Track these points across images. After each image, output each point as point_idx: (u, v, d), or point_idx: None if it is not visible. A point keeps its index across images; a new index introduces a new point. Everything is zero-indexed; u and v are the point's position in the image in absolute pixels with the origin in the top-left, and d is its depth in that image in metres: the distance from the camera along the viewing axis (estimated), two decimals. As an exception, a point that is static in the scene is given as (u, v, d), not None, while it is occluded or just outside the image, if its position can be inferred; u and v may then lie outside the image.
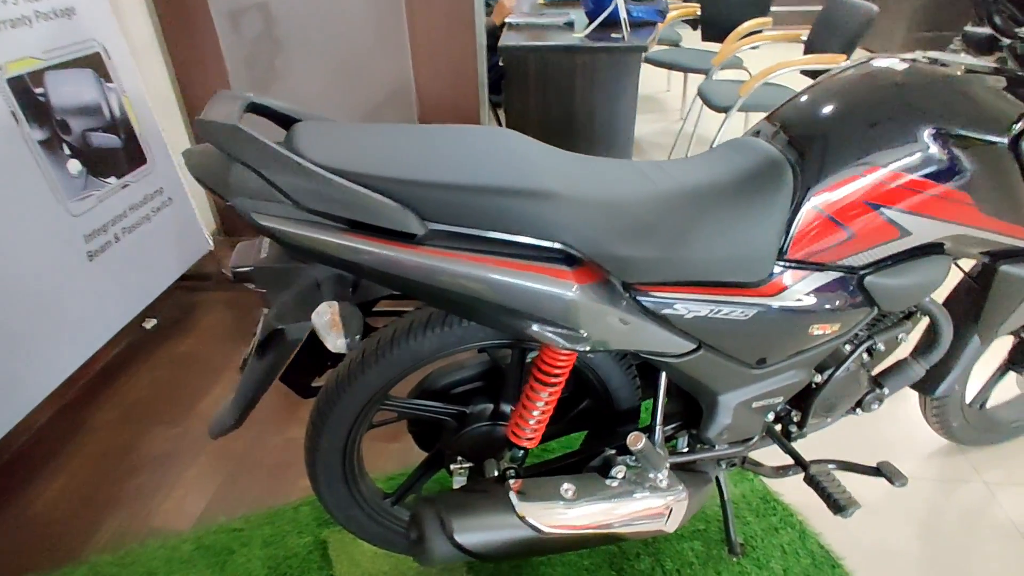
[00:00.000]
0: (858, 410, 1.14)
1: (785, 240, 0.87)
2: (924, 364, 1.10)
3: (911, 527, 1.32)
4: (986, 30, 1.00)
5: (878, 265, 0.91)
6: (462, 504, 0.85)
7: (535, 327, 0.78)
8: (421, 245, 0.72)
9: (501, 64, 2.23)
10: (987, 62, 0.97)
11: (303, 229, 0.69)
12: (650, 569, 1.24)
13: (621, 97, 2.25)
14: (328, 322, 0.71)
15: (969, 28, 1.05)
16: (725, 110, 2.68)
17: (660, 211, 0.82)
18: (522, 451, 0.97)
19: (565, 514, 0.88)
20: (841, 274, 0.91)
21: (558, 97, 2.25)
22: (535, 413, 0.93)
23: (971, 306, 1.15)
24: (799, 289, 0.89)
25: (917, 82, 0.89)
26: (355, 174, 0.70)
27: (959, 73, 0.90)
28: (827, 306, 0.91)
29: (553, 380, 0.90)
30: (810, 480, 1.07)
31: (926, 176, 0.85)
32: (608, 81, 2.21)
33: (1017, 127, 0.86)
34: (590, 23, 2.38)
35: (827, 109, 0.91)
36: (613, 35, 2.22)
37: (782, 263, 0.88)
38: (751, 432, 1.05)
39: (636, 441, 0.90)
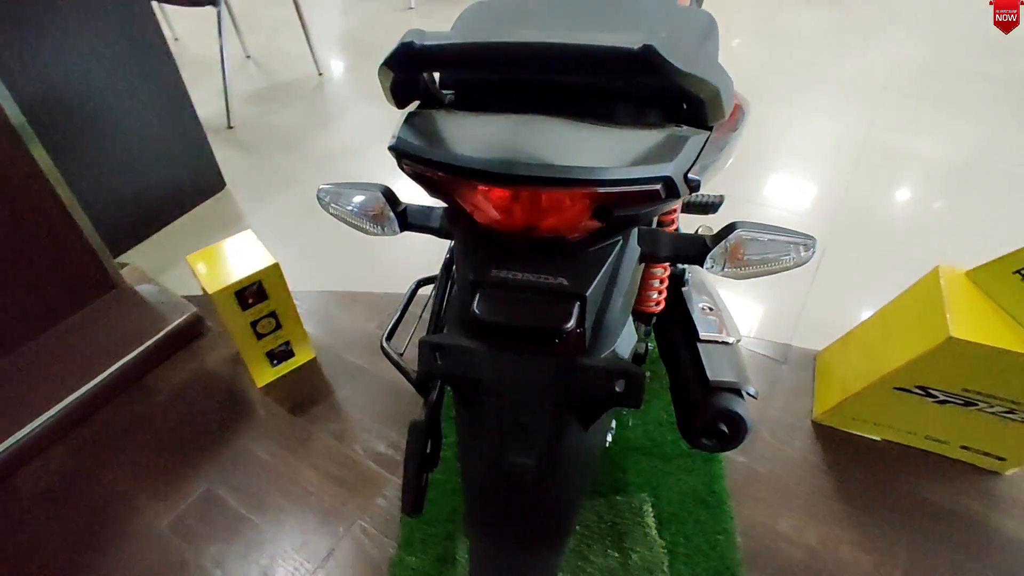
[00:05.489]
0: None
1: None
2: None
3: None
4: None
5: None
6: (724, 366, 0.80)
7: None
8: None
9: None
10: None
11: None
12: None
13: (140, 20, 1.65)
14: None
15: None
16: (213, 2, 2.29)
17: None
18: (653, 319, 0.91)
19: (732, 316, 0.93)
20: None
21: (57, 51, 1.49)
22: (659, 272, 0.87)
23: None
24: None
25: None
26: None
27: None
28: None
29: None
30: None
31: None
32: (113, 8, 1.57)
33: None
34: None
35: None
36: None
37: None
38: None
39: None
